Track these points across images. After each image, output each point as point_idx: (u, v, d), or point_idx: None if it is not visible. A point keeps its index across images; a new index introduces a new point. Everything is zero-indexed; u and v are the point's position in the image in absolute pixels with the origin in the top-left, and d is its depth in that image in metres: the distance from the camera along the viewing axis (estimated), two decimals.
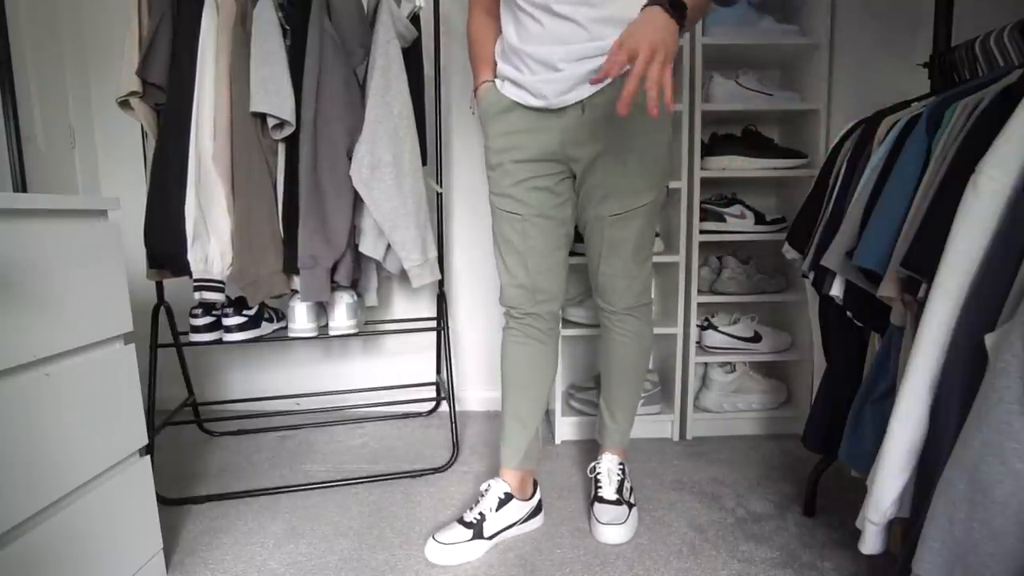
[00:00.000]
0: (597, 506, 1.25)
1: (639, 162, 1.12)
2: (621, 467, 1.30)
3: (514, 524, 1.22)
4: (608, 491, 1.27)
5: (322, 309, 1.52)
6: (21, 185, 1.32)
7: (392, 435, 1.75)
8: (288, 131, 1.35)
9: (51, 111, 1.73)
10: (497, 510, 1.19)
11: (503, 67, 1.15)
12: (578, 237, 1.61)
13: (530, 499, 1.26)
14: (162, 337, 1.52)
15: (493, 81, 1.17)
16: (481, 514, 1.18)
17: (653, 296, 1.79)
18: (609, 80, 0.87)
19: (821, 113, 1.64)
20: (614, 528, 1.19)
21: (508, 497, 1.21)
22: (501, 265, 1.21)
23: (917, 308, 0.83)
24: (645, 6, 0.91)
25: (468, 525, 1.16)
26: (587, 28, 1.04)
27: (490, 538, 1.17)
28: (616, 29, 1.03)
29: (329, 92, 1.35)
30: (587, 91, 1.07)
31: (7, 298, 0.79)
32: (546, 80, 1.08)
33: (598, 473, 1.31)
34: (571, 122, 1.10)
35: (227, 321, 1.47)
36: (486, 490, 1.23)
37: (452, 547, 1.13)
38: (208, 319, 1.47)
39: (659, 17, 0.88)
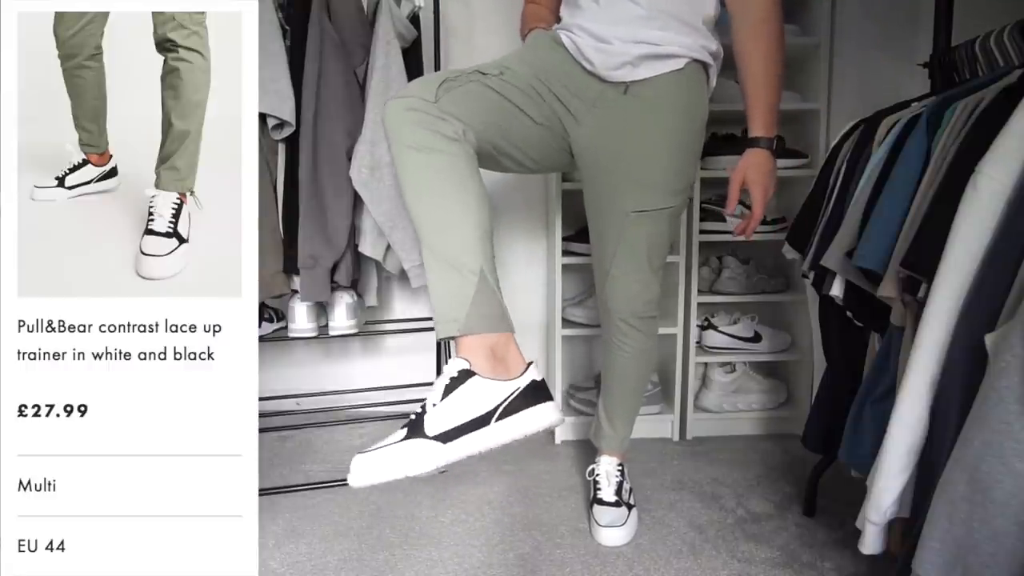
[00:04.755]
0: (596, 508, 1.24)
1: (673, 160, 1.07)
2: (620, 469, 1.30)
3: (497, 411, 0.78)
4: (607, 493, 1.26)
5: (322, 309, 1.52)
6: None
7: None
8: (288, 131, 1.35)
9: None
10: (443, 398, 0.77)
11: (562, 25, 1.12)
12: (578, 237, 1.60)
13: (517, 377, 0.81)
14: None
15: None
16: (422, 407, 0.78)
17: None
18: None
19: (821, 113, 1.64)
20: (613, 530, 1.19)
21: (464, 376, 0.78)
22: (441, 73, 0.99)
23: (917, 308, 0.83)
24: (751, 144, 1.09)
25: (403, 427, 0.78)
26: (647, 11, 1.02)
27: (438, 439, 0.75)
28: (677, 22, 1.04)
29: (329, 92, 1.35)
30: (637, 74, 1.04)
31: None
32: (596, 48, 1.04)
33: (597, 475, 1.30)
34: (611, 92, 1.06)
35: None
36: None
37: (374, 453, 0.76)
38: None
39: (766, 162, 1.08)
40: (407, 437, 0.76)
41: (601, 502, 1.25)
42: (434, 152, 0.86)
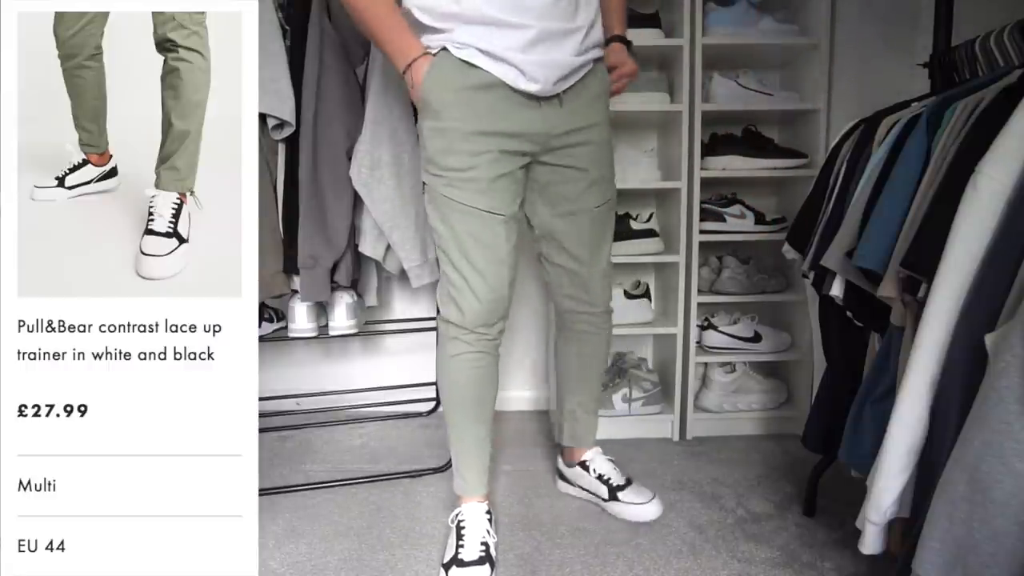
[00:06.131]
0: (623, 495, 1.27)
1: (608, 153, 1.17)
2: (604, 456, 1.34)
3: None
4: (619, 478, 1.29)
5: (322, 309, 1.52)
6: None
7: (392, 435, 1.75)
8: (288, 131, 1.35)
9: None
10: (493, 532, 1.14)
11: (461, 32, 0.96)
12: None
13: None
14: None
15: (433, 53, 0.99)
16: (484, 543, 1.10)
17: (653, 296, 1.80)
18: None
19: (821, 113, 1.63)
20: (652, 504, 1.26)
21: (489, 516, 1.16)
22: (472, 275, 1.04)
23: (917, 308, 0.83)
24: (616, 40, 1.16)
25: (481, 561, 1.07)
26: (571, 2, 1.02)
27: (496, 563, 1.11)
28: (590, 9, 1.05)
29: (329, 92, 1.35)
30: (568, 82, 1.04)
31: None
32: (545, 63, 0.98)
33: (601, 472, 1.31)
34: (551, 110, 1.04)
35: None
36: (464, 520, 1.13)
37: None
38: None
39: (624, 50, 1.18)
40: (492, 571, 1.08)
41: (621, 488, 1.28)
42: (473, 386, 1.13)
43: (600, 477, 1.31)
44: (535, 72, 0.98)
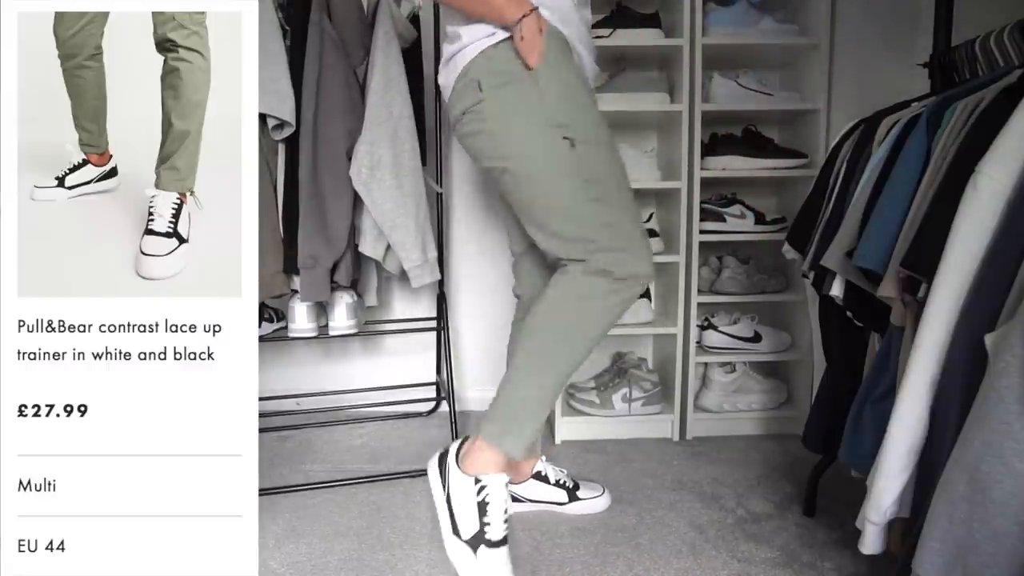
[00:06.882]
0: (581, 494, 1.30)
1: None
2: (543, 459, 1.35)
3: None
4: (570, 480, 1.31)
5: (322, 309, 1.52)
6: None
7: (392, 435, 1.75)
8: (288, 132, 1.35)
9: None
10: (507, 511, 1.04)
11: (544, 10, 0.95)
12: None
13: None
14: None
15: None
16: (507, 519, 1.03)
17: (653, 296, 1.80)
18: None
19: (821, 113, 1.64)
20: (606, 493, 1.30)
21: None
22: (631, 226, 1.02)
23: (917, 308, 0.83)
24: None
25: (505, 540, 1.02)
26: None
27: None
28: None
29: (329, 93, 1.35)
30: None
31: None
32: (592, 67, 1.09)
33: (557, 480, 1.31)
34: None
35: None
36: (490, 491, 1.01)
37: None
38: None
39: None
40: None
41: (577, 488, 1.30)
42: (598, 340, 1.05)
43: (558, 483, 1.30)
44: (591, 68, 1.08)
